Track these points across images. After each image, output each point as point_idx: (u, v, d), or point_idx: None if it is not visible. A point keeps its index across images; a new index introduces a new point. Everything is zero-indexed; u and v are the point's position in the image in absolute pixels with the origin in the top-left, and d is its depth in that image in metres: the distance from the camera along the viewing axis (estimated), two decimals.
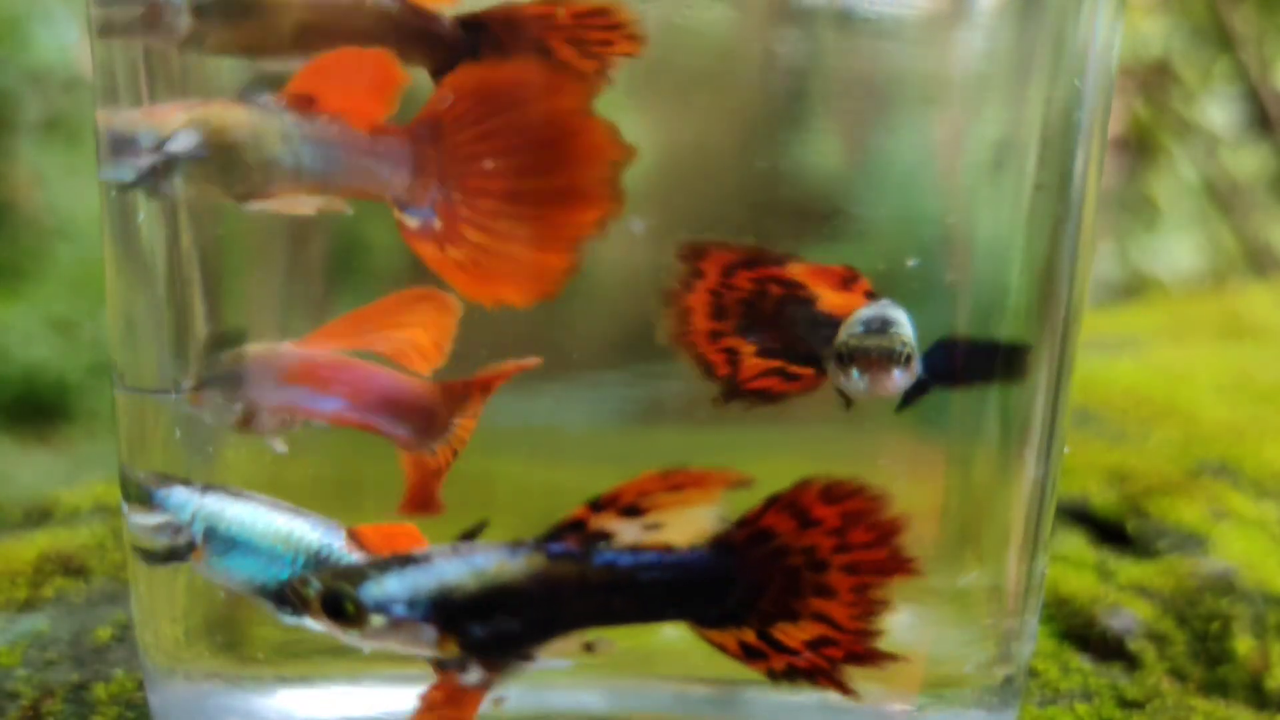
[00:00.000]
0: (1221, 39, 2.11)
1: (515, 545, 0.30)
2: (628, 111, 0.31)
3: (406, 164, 0.30)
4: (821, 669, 0.30)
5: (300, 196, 0.31)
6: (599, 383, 0.32)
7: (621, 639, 0.33)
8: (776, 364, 0.32)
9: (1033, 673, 0.45)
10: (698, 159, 0.31)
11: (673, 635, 0.32)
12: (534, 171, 0.30)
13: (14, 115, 1.69)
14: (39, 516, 0.54)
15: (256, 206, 0.31)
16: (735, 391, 0.31)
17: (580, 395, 0.31)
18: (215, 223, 0.33)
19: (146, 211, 0.33)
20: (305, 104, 0.30)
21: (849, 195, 0.32)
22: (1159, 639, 0.48)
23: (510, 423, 0.32)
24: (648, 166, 0.31)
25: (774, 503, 0.30)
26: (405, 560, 0.30)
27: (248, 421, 0.32)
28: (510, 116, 0.30)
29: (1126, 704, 0.44)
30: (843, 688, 0.30)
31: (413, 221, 0.30)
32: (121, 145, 0.32)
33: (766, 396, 0.32)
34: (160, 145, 0.31)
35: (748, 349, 0.31)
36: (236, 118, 0.30)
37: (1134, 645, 0.48)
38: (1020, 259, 0.34)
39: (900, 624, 0.33)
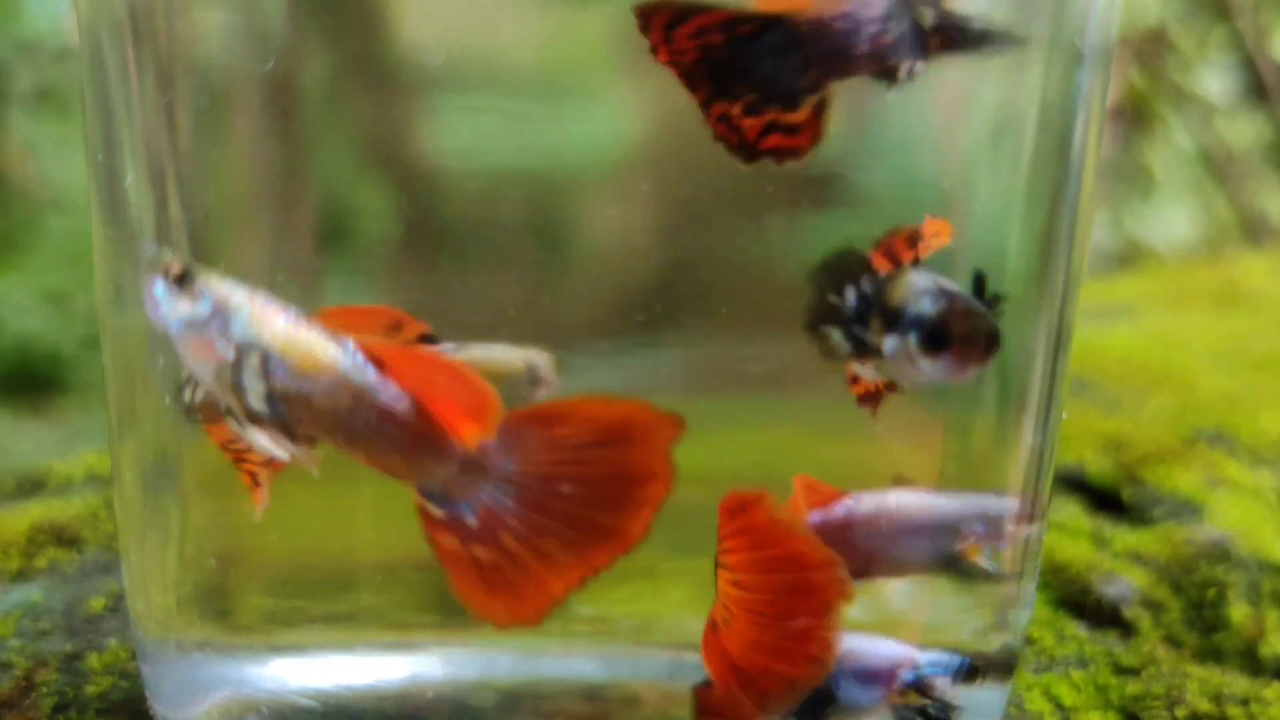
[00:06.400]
0: (1218, 7, 2.10)
1: None
2: (627, 82, 0.31)
3: (457, 458, 0.30)
4: None
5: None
6: (595, 352, 0.31)
7: (617, 607, 0.32)
8: (768, 118, 0.30)
9: (1029, 640, 0.45)
10: (694, 127, 0.31)
11: (667, 603, 0.32)
12: (597, 505, 0.30)
13: (5, 86, 1.68)
14: (32, 487, 0.54)
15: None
16: (753, 156, 0.30)
17: (577, 365, 0.31)
18: (203, 189, 0.32)
19: (134, 177, 0.33)
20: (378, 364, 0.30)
21: (846, 160, 0.32)
22: (1154, 606, 0.48)
23: (505, 393, 0.31)
24: (647, 135, 0.31)
25: None
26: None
27: None
28: (600, 451, 0.30)
29: (1122, 670, 0.44)
30: None
31: (438, 512, 0.30)
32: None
33: (782, 154, 0.30)
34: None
35: (735, 110, 0.30)
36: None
37: (1129, 612, 0.48)
38: (1019, 224, 0.33)
39: (899, 591, 0.33)
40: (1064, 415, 0.36)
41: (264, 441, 0.30)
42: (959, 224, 0.33)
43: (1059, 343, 0.35)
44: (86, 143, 0.34)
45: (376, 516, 0.32)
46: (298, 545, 0.33)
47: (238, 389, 0.30)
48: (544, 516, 0.30)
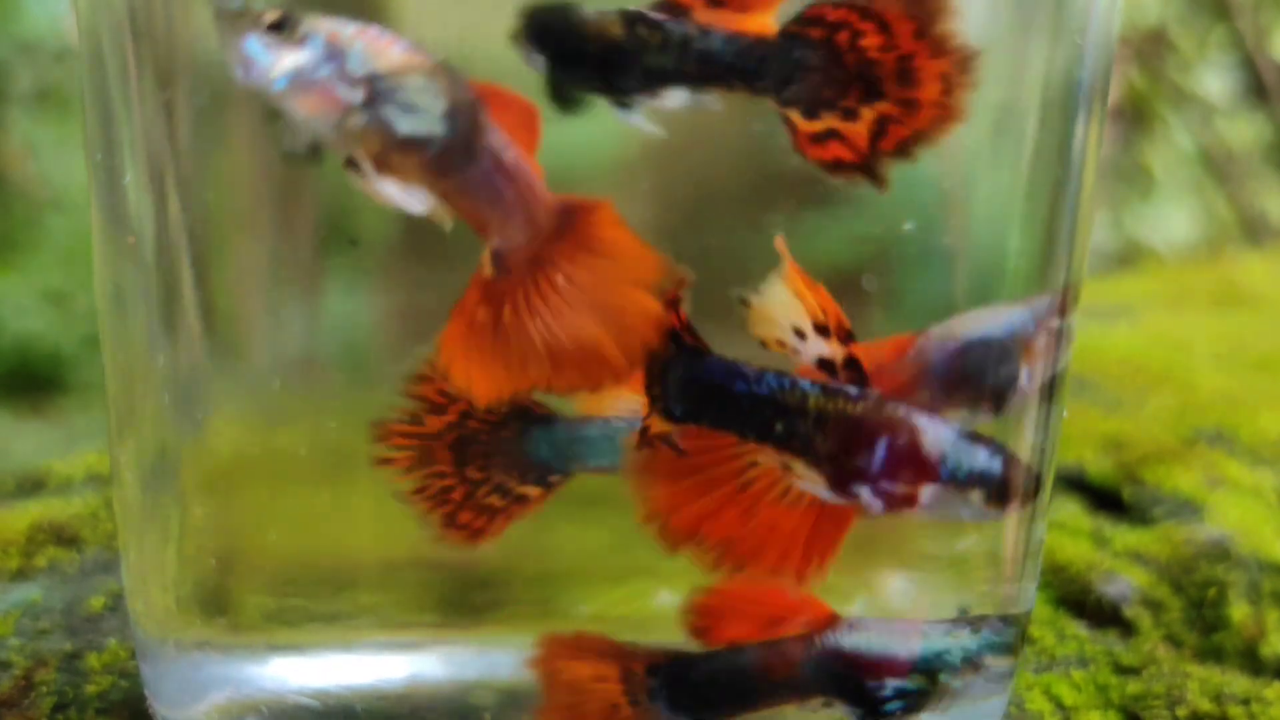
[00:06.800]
0: (1218, 7, 2.11)
1: None
2: None
3: (539, 225, 0.29)
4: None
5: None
6: None
7: (616, 607, 0.32)
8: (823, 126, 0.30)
9: (1029, 639, 0.45)
10: (695, 121, 0.31)
11: (667, 602, 0.32)
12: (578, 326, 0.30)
13: (5, 86, 1.68)
14: (32, 486, 0.54)
15: None
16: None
17: None
18: (202, 187, 0.32)
19: (133, 176, 0.33)
20: None
21: None
22: (1155, 605, 0.48)
23: None
24: (647, 134, 0.31)
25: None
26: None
27: None
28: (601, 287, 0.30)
29: (1122, 670, 0.44)
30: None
31: (491, 272, 0.29)
32: None
33: (837, 167, 0.30)
34: None
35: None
36: None
37: (1130, 612, 0.48)
38: (1020, 224, 0.33)
39: (899, 589, 0.33)
40: (1064, 414, 0.36)
41: (395, 191, 0.28)
42: (960, 224, 0.33)
43: (1060, 342, 0.35)
44: (86, 142, 0.34)
45: (376, 515, 0.32)
46: (298, 544, 0.33)
47: (369, 132, 0.27)
48: (545, 306, 0.29)
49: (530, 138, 0.29)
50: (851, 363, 0.30)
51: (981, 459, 0.31)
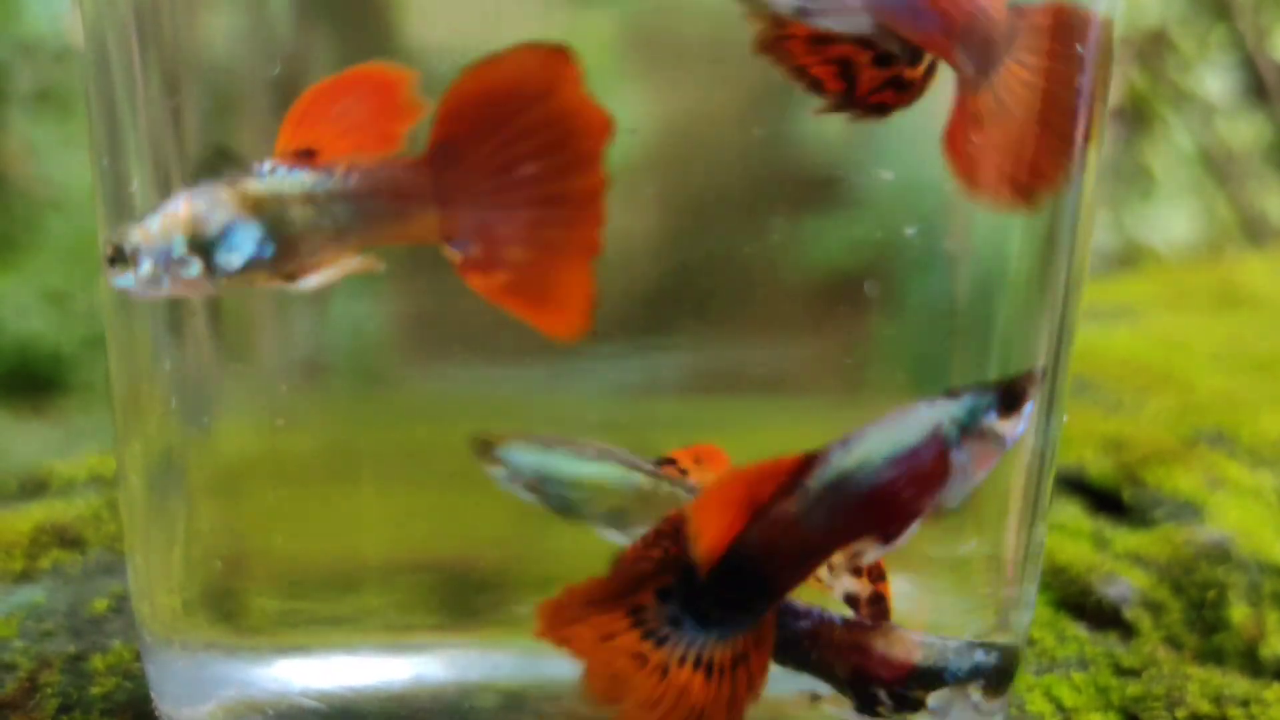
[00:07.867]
0: (1218, 8, 2.11)
1: None
2: (626, 80, 0.31)
3: (431, 197, 0.28)
4: None
5: (345, 258, 0.28)
6: (595, 354, 0.31)
7: None
8: (891, 73, 0.29)
9: (1030, 641, 0.45)
10: (695, 125, 0.31)
11: None
12: (557, 171, 0.28)
13: (5, 86, 1.68)
14: (34, 488, 0.54)
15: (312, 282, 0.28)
16: (848, 105, 0.29)
17: (577, 366, 0.31)
18: None
19: (140, 181, 0.33)
20: (309, 159, 0.28)
21: (846, 162, 0.32)
22: (1155, 607, 0.48)
23: (507, 394, 0.32)
24: (646, 134, 0.31)
25: None
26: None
27: None
28: (522, 116, 0.28)
29: (1122, 672, 0.44)
30: None
31: (457, 255, 0.28)
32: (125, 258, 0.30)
33: (880, 109, 0.29)
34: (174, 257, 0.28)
35: (863, 57, 0.29)
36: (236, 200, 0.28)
37: (1130, 613, 0.48)
38: (1021, 225, 0.33)
39: (899, 593, 0.33)
40: (1065, 416, 0.37)
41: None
42: (962, 225, 0.33)
43: (1060, 344, 0.35)
44: (92, 146, 0.34)
45: (381, 518, 0.32)
46: (303, 547, 0.33)
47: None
48: (524, 208, 0.28)
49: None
50: (877, 599, 0.32)
51: (979, 657, 0.33)
